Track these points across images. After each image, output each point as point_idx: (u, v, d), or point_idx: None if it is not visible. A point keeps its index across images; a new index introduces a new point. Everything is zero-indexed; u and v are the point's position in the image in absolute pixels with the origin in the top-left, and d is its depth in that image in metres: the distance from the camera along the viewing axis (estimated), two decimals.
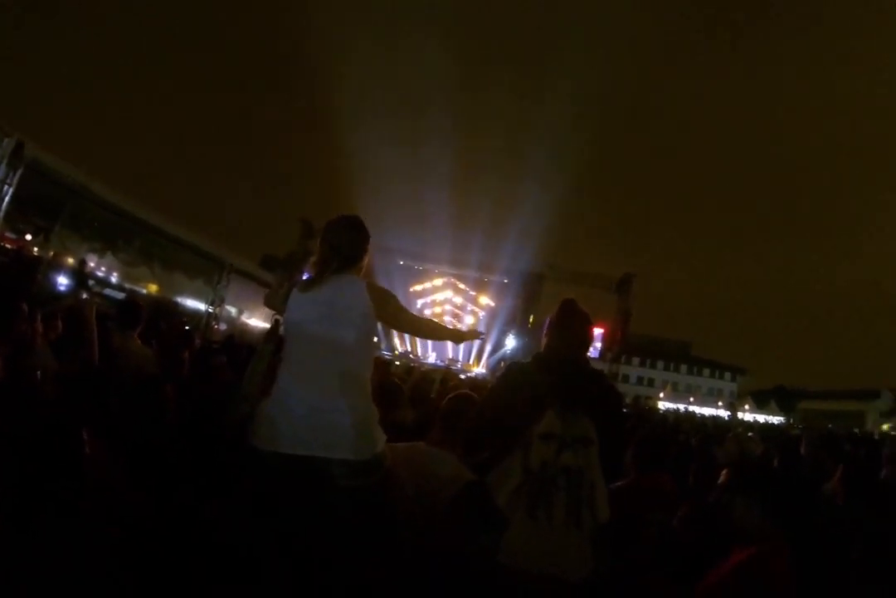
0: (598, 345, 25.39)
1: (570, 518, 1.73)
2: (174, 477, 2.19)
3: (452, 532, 1.91)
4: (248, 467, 2.05)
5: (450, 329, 2.46)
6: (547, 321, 2.31)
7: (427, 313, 27.59)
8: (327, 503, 1.94)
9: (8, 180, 9.72)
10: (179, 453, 2.33)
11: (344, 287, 2.17)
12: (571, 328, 2.21)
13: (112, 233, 13.59)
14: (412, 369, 10.89)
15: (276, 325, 2.25)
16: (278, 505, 1.94)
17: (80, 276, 10.51)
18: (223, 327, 17.79)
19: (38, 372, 2.74)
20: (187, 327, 11.77)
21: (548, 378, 2.01)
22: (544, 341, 2.26)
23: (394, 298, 2.25)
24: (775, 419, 39.89)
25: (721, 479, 2.30)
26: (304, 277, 2.26)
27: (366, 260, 2.32)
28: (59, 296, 8.91)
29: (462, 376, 16.24)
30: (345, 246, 2.23)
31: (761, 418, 38.42)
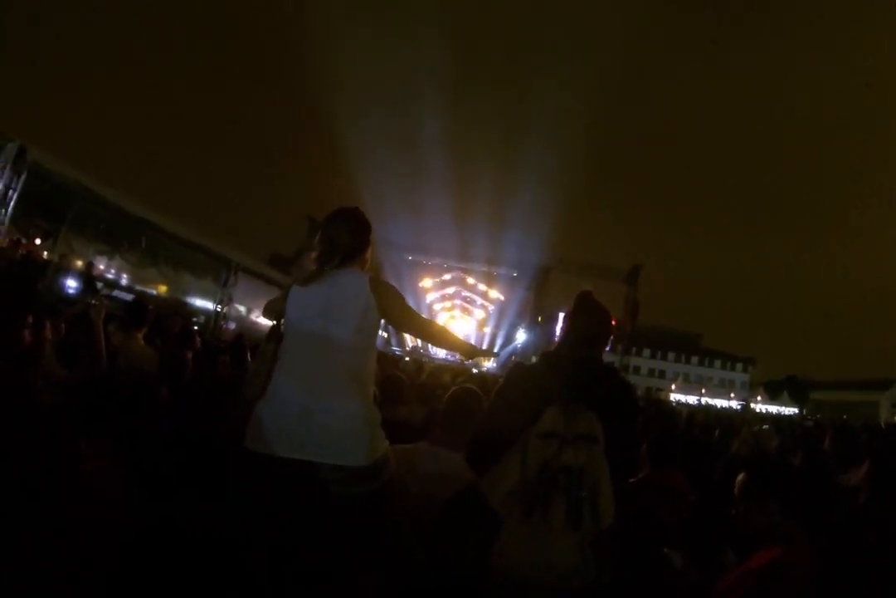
0: None
1: (570, 521, 1.60)
2: (171, 481, 2.13)
3: (446, 536, 1.82)
4: (242, 471, 1.97)
5: (463, 341, 2.27)
6: (562, 315, 2.19)
7: (437, 307, 27.52)
8: (320, 510, 1.86)
9: (13, 185, 9.84)
10: (175, 457, 2.28)
11: (344, 282, 2.05)
12: (585, 323, 2.09)
13: (118, 234, 13.62)
14: (422, 366, 10.83)
15: (277, 324, 2.17)
16: (271, 511, 1.86)
17: (88, 279, 10.53)
18: (232, 325, 17.83)
19: (40, 381, 2.68)
20: (196, 327, 11.77)
21: (554, 376, 1.89)
22: (559, 335, 2.15)
23: (400, 296, 2.13)
24: (788, 410, 39.57)
25: (736, 490, 2.18)
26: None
27: (369, 252, 2.19)
28: (68, 300, 8.92)
29: (474, 371, 16.22)
30: (344, 239, 2.10)
31: (773, 408, 38.12)
